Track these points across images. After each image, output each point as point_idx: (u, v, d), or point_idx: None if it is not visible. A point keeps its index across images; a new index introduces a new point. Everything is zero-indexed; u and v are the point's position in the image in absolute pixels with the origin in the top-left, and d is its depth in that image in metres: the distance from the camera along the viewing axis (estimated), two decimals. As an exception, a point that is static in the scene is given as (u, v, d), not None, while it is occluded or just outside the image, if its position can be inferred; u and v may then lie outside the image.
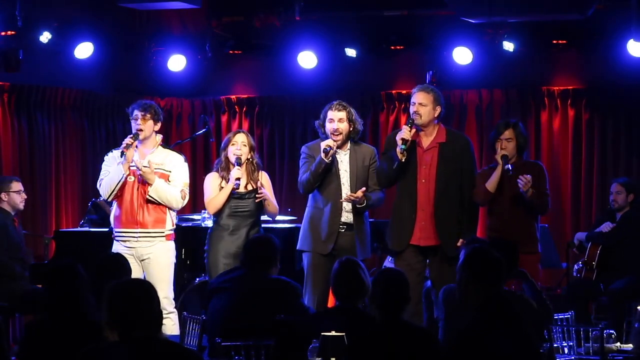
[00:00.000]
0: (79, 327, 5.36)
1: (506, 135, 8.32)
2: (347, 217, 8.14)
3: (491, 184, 8.25)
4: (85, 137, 11.67)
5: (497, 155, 8.27)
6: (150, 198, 8.16)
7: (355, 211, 8.13)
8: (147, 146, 8.30)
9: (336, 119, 8.13)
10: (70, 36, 10.72)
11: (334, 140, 8.08)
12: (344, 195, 8.10)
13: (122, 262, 6.53)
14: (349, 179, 8.15)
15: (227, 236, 8.30)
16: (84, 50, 10.83)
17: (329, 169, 8.10)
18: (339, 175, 8.15)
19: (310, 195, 8.27)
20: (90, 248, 9.26)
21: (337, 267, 6.18)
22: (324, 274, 8.02)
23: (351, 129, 8.18)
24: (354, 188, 8.11)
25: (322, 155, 8.03)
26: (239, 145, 8.35)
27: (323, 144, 8.05)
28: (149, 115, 8.20)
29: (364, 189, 8.05)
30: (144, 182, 8.18)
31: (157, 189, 8.16)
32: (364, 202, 8.07)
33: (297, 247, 8.27)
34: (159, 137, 8.39)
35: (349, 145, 8.22)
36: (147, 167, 8.12)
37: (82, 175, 11.55)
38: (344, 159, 8.19)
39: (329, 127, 8.14)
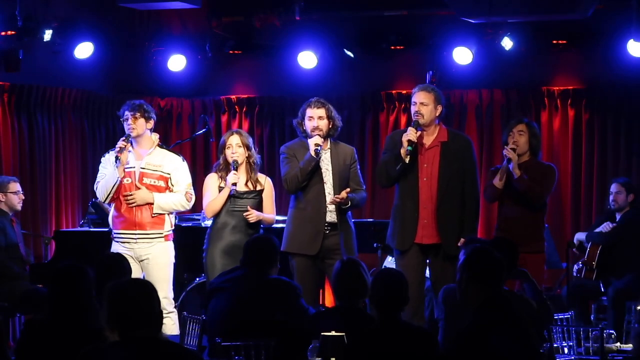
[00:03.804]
0: (78, 328, 5.35)
1: (519, 128, 8.39)
2: (331, 216, 8.12)
3: (497, 180, 8.31)
4: (85, 137, 11.66)
5: (506, 151, 8.32)
6: (156, 214, 8.19)
7: (339, 211, 8.13)
8: (143, 146, 8.29)
9: (316, 117, 8.12)
10: (70, 36, 10.71)
11: (319, 136, 8.08)
12: (327, 194, 8.09)
13: (122, 262, 6.53)
14: (331, 178, 8.14)
15: (226, 235, 8.29)
16: (84, 50, 10.83)
17: (317, 168, 8.10)
18: (322, 175, 8.14)
19: (292, 196, 8.25)
20: (90, 248, 9.26)
21: (339, 266, 6.19)
22: (312, 275, 8.06)
23: (330, 126, 8.17)
24: (336, 187, 8.11)
25: (312, 153, 8.02)
26: (233, 149, 8.33)
27: (312, 142, 8.04)
28: (138, 114, 8.20)
29: (348, 189, 8.05)
30: (142, 180, 8.20)
31: (160, 205, 8.18)
32: (349, 203, 8.08)
33: (282, 249, 8.01)
34: (156, 136, 8.38)
35: (329, 144, 8.21)
36: (132, 197, 8.12)
37: (82, 175, 11.54)
38: (324, 158, 8.18)
39: (308, 124, 8.12)
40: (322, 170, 8.13)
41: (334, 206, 8.11)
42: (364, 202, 8.38)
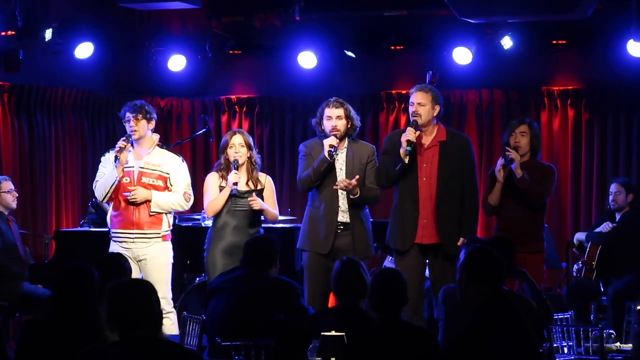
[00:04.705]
0: (79, 329, 5.35)
1: (521, 128, 8.43)
2: (343, 216, 8.11)
3: (494, 196, 8.36)
4: (85, 137, 11.67)
5: (508, 152, 8.35)
6: (154, 213, 8.18)
7: (351, 210, 8.11)
8: (143, 146, 8.30)
9: (334, 116, 8.11)
10: (70, 36, 10.71)
11: (335, 137, 8.07)
12: (340, 194, 8.08)
13: (122, 262, 6.53)
14: (344, 177, 8.13)
15: (227, 235, 8.29)
16: (84, 50, 10.83)
17: (331, 168, 8.09)
18: (336, 174, 8.14)
19: (309, 195, 8.27)
20: (90, 248, 9.27)
21: (339, 266, 6.19)
22: (323, 274, 8.02)
23: (349, 125, 8.16)
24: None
25: (326, 154, 8.01)
26: (237, 148, 8.34)
27: (326, 143, 8.03)
28: (140, 116, 8.21)
29: (357, 177, 8.01)
30: (140, 180, 8.20)
31: (158, 203, 8.18)
32: (357, 192, 8.04)
33: (297, 246, 8.29)
34: (156, 137, 8.38)
35: (346, 143, 8.21)
36: (134, 195, 8.12)
37: (82, 175, 11.54)
38: (340, 157, 8.17)
39: (326, 124, 8.11)
40: (337, 170, 8.13)
41: (346, 207, 8.08)
42: (377, 200, 8.33)
